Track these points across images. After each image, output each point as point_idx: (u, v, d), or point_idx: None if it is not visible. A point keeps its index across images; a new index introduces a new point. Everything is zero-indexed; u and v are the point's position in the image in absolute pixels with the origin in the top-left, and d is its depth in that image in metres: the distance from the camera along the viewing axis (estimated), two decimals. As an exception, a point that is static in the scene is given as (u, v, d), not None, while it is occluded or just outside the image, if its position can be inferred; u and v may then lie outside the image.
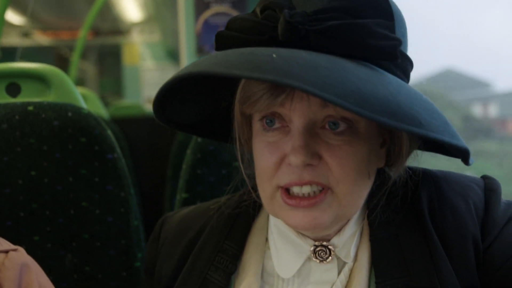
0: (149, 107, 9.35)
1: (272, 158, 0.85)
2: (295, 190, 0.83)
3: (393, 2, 0.87)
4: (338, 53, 0.76)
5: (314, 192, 0.83)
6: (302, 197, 0.83)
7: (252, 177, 0.96)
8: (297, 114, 0.82)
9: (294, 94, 0.80)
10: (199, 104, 0.98)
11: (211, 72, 0.72)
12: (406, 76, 0.86)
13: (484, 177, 0.97)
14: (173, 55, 10.05)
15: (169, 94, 0.88)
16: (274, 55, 0.70)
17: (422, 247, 0.88)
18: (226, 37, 0.83)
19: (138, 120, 3.77)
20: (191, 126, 1.03)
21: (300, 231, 0.93)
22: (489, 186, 0.94)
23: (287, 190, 0.85)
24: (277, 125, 0.85)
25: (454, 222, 0.89)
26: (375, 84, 0.72)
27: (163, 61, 10.46)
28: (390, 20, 0.80)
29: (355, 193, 0.85)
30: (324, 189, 0.83)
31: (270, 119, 0.85)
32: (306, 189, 0.83)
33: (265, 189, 0.88)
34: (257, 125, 0.88)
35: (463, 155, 0.83)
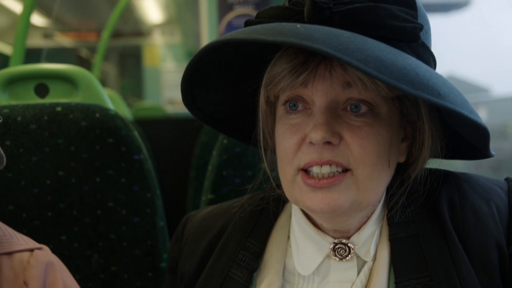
0: (170, 109, 9.40)
1: (293, 139, 0.86)
2: (315, 170, 0.84)
3: (419, 2, 0.88)
4: (361, 33, 0.76)
5: (334, 173, 0.84)
6: (321, 178, 0.84)
7: (275, 171, 0.96)
8: (319, 94, 0.83)
9: (316, 73, 0.82)
10: (226, 95, 0.99)
11: (237, 38, 0.75)
12: None
13: (508, 180, 0.96)
14: (193, 56, 10.07)
15: (196, 78, 0.91)
16: (298, 26, 0.73)
17: (443, 247, 0.88)
18: (255, 23, 0.85)
19: (160, 121, 3.79)
20: (217, 120, 1.04)
21: (321, 221, 0.93)
22: None
23: (307, 172, 0.85)
24: (300, 107, 0.86)
25: (476, 225, 0.88)
26: (395, 55, 0.73)
27: (183, 63, 10.49)
28: (413, 10, 0.82)
29: (374, 178, 0.85)
30: (343, 171, 0.84)
31: (294, 103, 0.87)
32: (325, 169, 0.84)
33: (286, 172, 0.89)
34: (280, 110, 0.90)
35: (482, 140, 0.83)
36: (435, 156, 0.92)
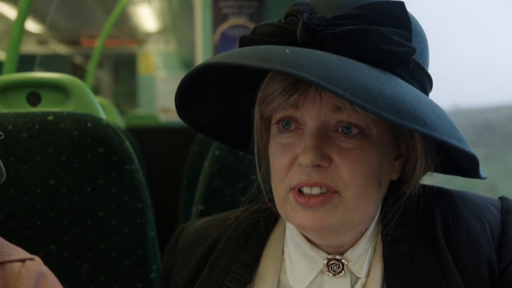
0: (163, 117, 9.40)
1: (285, 159, 0.87)
2: (305, 190, 0.85)
3: (416, 19, 0.89)
4: (352, 56, 0.77)
5: (323, 194, 0.84)
6: (312, 196, 0.84)
7: (268, 184, 0.97)
8: (309, 116, 0.84)
9: (306, 94, 0.82)
10: (222, 109, 1.00)
11: (225, 62, 0.76)
12: (422, 89, 0.87)
13: (502, 198, 0.96)
14: (188, 65, 10.10)
15: (190, 94, 0.91)
16: (287, 50, 0.73)
17: (435, 264, 0.88)
18: (249, 40, 0.86)
19: (153, 130, 3.79)
20: (213, 130, 1.05)
21: (313, 239, 0.93)
22: (507, 207, 0.94)
23: (299, 191, 0.86)
24: (292, 127, 0.87)
25: (469, 243, 0.89)
26: (383, 82, 0.73)
27: (178, 71, 10.51)
28: (408, 31, 0.81)
29: (362, 198, 0.85)
30: (331, 191, 0.84)
31: (286, 122, 0.87)
32: (315, 190, 0.84)
33: (278, 191, 0.89)
34: (274, 128, 0.90)
35: (472, 165, 0.83)
36: (431, 171, 0.92)
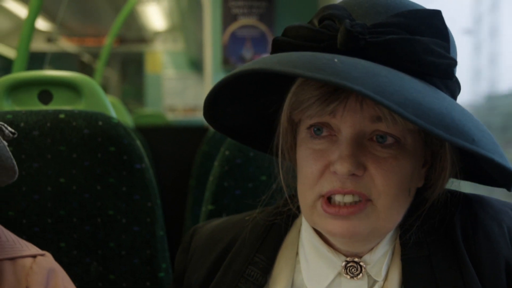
0: (170, 116, 9.41)
1: (317, 165, 0.86)
2: (337, 198, 0.84)
3: (449, 29, 0.88)
4: (394, 66, 0.76)
5: (356, 202, 0.84)
6: (343, 206, 0.84)
7: (290, 186, 0.97)
8: (347, 124, 0.83)
9: (346, 103, 0.81)
10: (246, 108, 0.99)
11: (274, 69, 0.73)
12: (454, 99, 0.87)
13: None
14: (195, 64, 10.11)
15: (219, 93, 0.89)
16: (336, 60, 0.72)
17: (454, 269, 0.87)
18: (283, 43, 0.84)
19: (162, 129, 3.79)
20: (233, 129, 1.03)
21: (336, 243, 0.93)
22: None
23: (328, 199, 0.85)
24: (324, 133, 0.86)
25: (487, 246, 0.88)
26: (431, 97, 0.73)
27: (185, 71, 10.52)
28: (446, 42, 0.81)
29: (394, 208, 0.85)
30: (364, 200, 0.84)
31: (318, 128, 0.86)
32: (348, 198, 0.84)
33: (307, 197, 0.88)
34: (303, 133, 0.89)
35: (507, 179, 0.83)
36: (452, 177, 0.92)
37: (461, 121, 0.72)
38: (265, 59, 0.77)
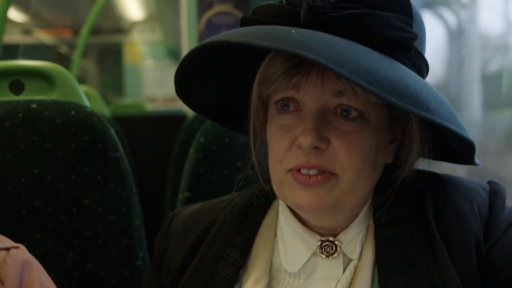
0: (150, 106, 9.36)
1: (284, 141, 0.87)
2: (303, 172, 0.85)
3: (415, 5, 0.89)
4: (355, 40, 0.77)
5: (322, 174, 0.85)
6: (311, 175, 0.85)
7: (262, 166, 0.98)
8: (310, 98, 0.84)
9: (308, 77, 0.83)
10: (219, 86, 0.99)
11: (231, 41, 0.75)
12: (420, 75, 0.88)
13: (490, 182, 0.98)
14: (174, 54, 10.05)
15: (189, 70, 0.90)
16: (293, 31, 0.73)
17: (425, 246, 0.89)
18: (251, 20, 0.86)
19: (140, 119, 3.78)
20: (208, 109, 1.04)
21: (308, 220, 0.95)
22: (495, 190, 0.95)
23: (298, 172, 0.86)
24: (291, 108, 0.87)
25: (458, 222, 0.90)
26: (386, 67, 0.74)
27: (164, 60, 10.46)
28: (409, 17, 0.82)
29: (359, 182, 0.86)
30: (329, 173, 0.85)
31: (285, 103, 0.87)
32: (313, 172, 0.85)
33: (276, 172, 0.90)
34: (272, 109, 0.91)
35: (468, 151, 0.85)
36: (423, 157, 0.93)
37: (416, 90, 0.73)
38: (226, 33, 0.79)
